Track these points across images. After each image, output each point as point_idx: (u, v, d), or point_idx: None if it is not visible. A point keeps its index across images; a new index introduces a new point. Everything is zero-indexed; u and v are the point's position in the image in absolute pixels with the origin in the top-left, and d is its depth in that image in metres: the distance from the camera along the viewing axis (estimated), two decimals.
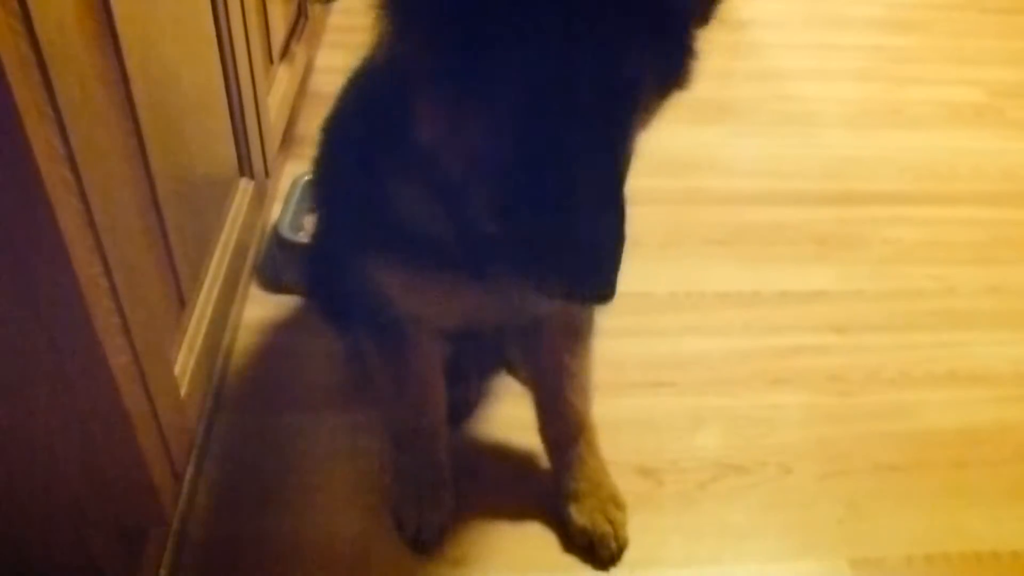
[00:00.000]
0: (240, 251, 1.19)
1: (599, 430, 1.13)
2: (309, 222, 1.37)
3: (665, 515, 1.12)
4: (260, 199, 1.33)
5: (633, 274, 1.45)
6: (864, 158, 1.89)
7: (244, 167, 1.23)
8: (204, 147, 1.05)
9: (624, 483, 1.14)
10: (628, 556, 1.06)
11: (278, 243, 1.38)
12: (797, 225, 1.67)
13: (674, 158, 1.77)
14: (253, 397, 1.24)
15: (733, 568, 1.07)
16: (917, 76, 2.28)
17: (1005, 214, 1.75)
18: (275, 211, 1.49)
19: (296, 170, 1.53)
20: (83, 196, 0.61)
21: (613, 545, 1.05)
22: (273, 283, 1.40)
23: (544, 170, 0.63)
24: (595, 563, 1.05)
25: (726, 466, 1.18)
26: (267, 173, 1.37)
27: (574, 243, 0.63)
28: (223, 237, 1.12)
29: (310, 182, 1.21)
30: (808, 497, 1.15)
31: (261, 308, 1.36)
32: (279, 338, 1.33)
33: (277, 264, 1.39)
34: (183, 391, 0.90)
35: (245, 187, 1.23)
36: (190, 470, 1.08)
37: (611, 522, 1.06)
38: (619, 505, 1.08)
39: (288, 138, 1.64)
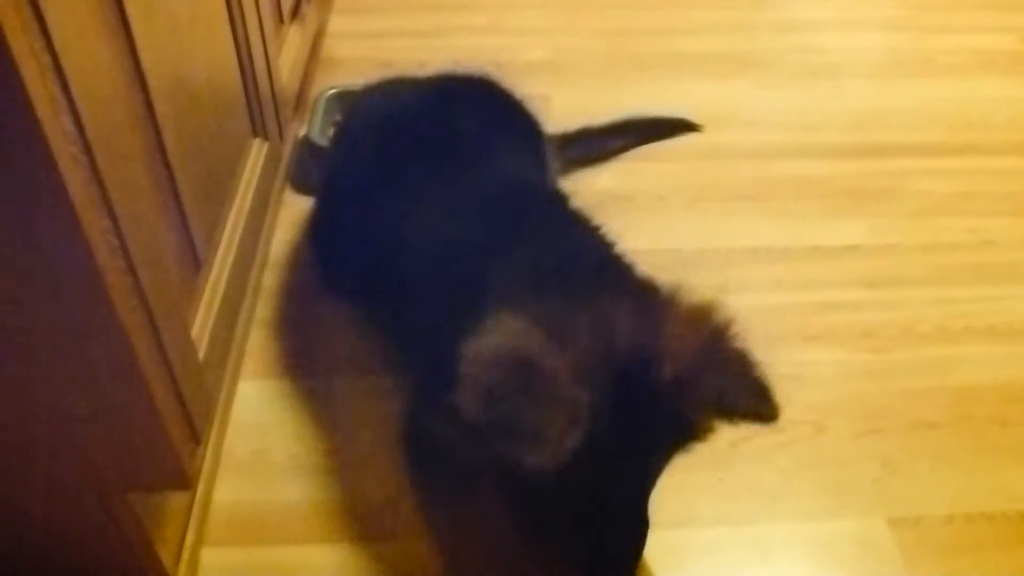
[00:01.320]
0: (256, 214, 1.17)
1: None
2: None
3: (696, 475, 1.08)
4: (275, 162, 1.31)
5: (660, 231, 1.47)
6: (894, 109, 1.82)
7: (257, 127, 1.20)
8: (215, 105, 1.02)
9: None
10: (660, 517, 1.03)
11: (310, 149, 1.52)
12: (826, 179, 1.61)
13: (698, 113, 1.71)
14: (276, 362, 1.22)
15: (767, 528, 1.04)
16: (947, 24, 2.19)
17: None
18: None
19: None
20: (87, 148, 0.59)
21: None
22: (304, 186, 1.50)
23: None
24: None
25: (759, 425, 1.15)
26: (281, 136, 1.34)
27: (598, 550, 0.78)
28: (238, 199, 1.09)
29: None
30: (843, 455, 1.12)
31: (292, 215, 1.41)
32: (301, 304, 1.31)
33: (307, 168, 1.52)
34: (201, 354, 0.88)
35: (259, 148, 1.20)
36: (213, 436, 1.07)
37: None
38: None
39: (301, 104, 1.61)
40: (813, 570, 1.00)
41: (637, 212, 1.50)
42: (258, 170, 1.17)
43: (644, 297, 0.83)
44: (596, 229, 1.03)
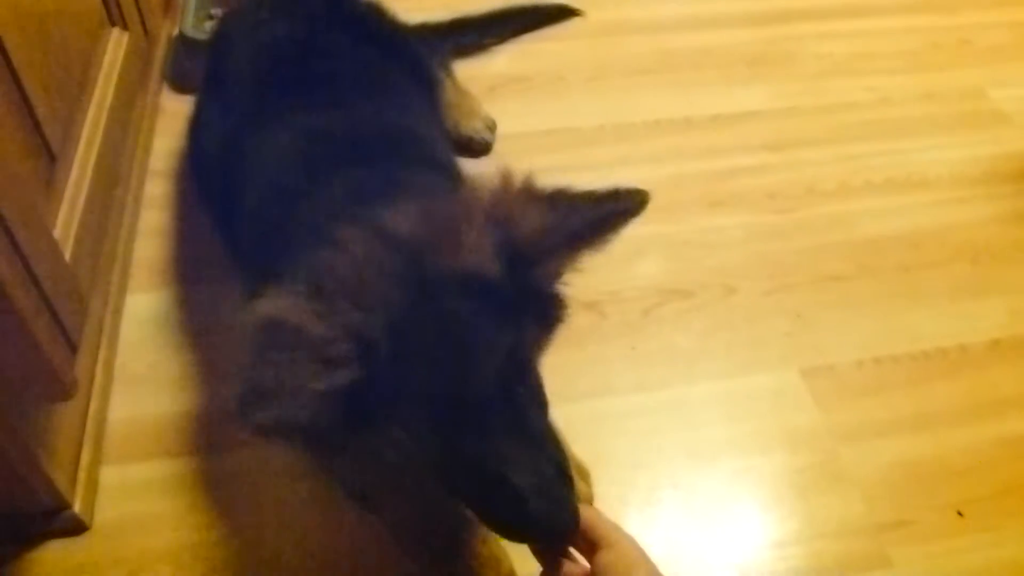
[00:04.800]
0: (121, 111, 1.07)
1: None
2: (217, 12, 1.45)
3: (612, 345, 1.08)
4: (139, 56, 1.19)
5: (560, 111, 1.43)
6: None
7: (113, 15, 1.09)
8: None
9: (571, 318, 1.09)
10: (579, 388, 1.02)
11: (183, 43, 1.42)
12: (725, 48, 1.59)
13: None
14: (166, 273, 1.14)
15: (684, 390, 1.04)
16: None
17: (933, 21, 1.69)
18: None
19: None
20: None
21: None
22: (182, 84, 1.41)
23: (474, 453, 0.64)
24: None
25: (669, 291, 1.14)
26: (145, 28, 1.23)
27: (518, 497, 0.62)
28: (97, 93, 0.99)
29: None
30: (754, 314, 1.12)
31: (177, 123, 1.29)
32: (189, 213, 1.23)
33: (185, 66, 1.41)
34: (68, 254, 0.81)
35: (118, 39, 1.09)
36: (104, 351, 1.00)
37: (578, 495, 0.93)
38: (584, 474, 0.93)
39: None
40: (732, 426, 1.00)
41: (535, 93, 1.45)
42: (119, 63, 1.07)
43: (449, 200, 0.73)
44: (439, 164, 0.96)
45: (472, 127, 1.29)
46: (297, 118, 0.92)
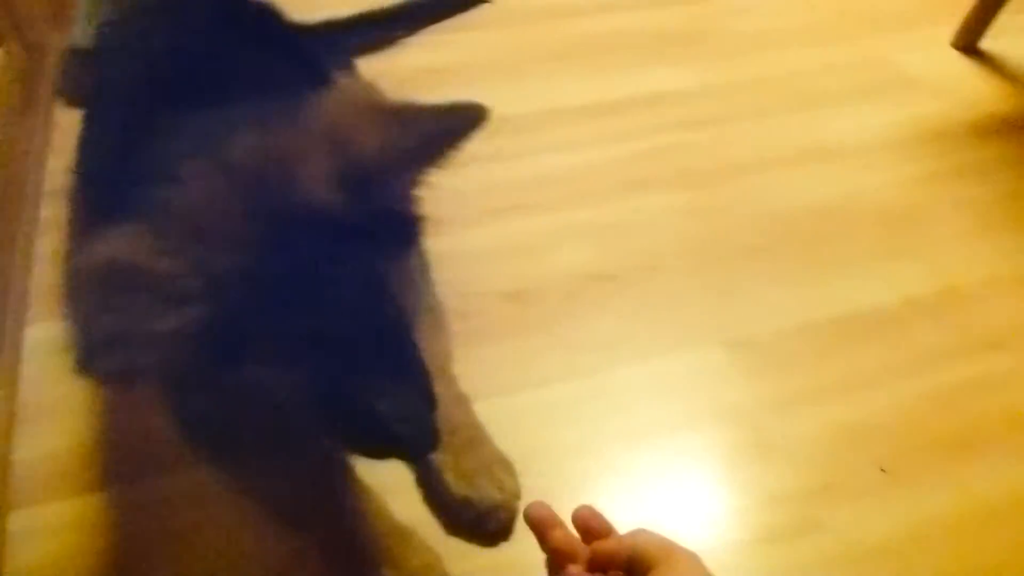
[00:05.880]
0: (5, 128, 1.02)
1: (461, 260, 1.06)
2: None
3: (537, 335, 1.07)
4: (27, 74, 1.15)
5: (479, 101, 1.42)
6: None
7: None
8: None
9: (492, 311, 1.09)
10: (504, 381, 1.02)
11: (75, 55, 1.30)
12: (640, 29, 1.60)
13: None
14: None
15: (611, 374, 1.04)
16: None
17: None
18: None
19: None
20: None
21: (503, 516, 0.88)
22: (76, 97, 1.25)
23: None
24: (484, 540, 0.88)
25: (592, 276, 1.14)
26: (27, 44, 1.18)
27: (381, 423, 0.62)
28: None
29: None
30: (677, 292, 1.13)
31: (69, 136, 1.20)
32: None
33: (78, 77, 1.28)
34: None
35: None
36: (2, 390, 0.96)
37: (501, 489, 0.89)
38: (508, 468, 0.91)
39: (62, 7, 1.44)
40: (661, 406, 1.01)
41: (448, 85, 1.44)
42: None
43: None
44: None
45: None
46: (187, 126, 0.89)
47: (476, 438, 0.93)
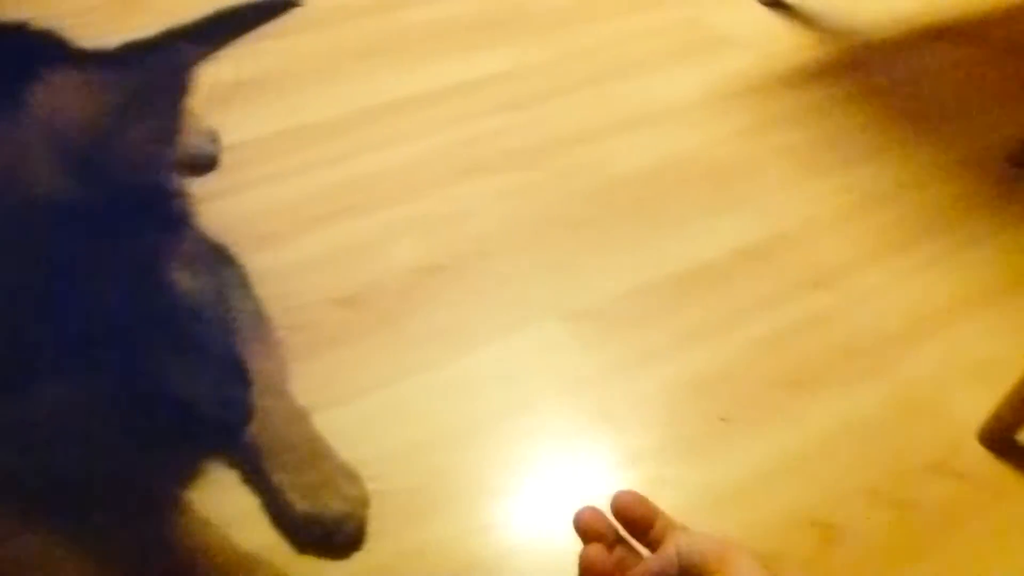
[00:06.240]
0: None
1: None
2: None
3: (374, 337, 1.05)
4: None
5: (296, 107, 1.38)
6: None
7: None
8: None
9: (325, 319, 1.06)
10: (345, 389, 0.99)
11: None
12: (457, 16, 1.59)
13: None
14: None
15: (454, 365, 1.02)
16: None
17: None
18: None
19: None
20: None
21: (351, 526, 0.86)
22: None
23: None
24: (335, 553, 0.85)
25: (424, 270, 1.12)
26: None
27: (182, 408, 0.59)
28: None
29: None
30: (510, 273, 1.13)
31: None
32: None
33: None
34: None
35: None
36: None
37: (345, 499, 0.86)
38: (352, 477, 0.88)
39: None
40: (505, 390, 1.00)
41: (264, 96, 1.39)
42: None
43: None
44: None
45: (191, 143, 1.22)
46: None
47: (316, 452, 0.90)
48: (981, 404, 0.96)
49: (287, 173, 1.23)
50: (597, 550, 0.58)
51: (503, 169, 1.28)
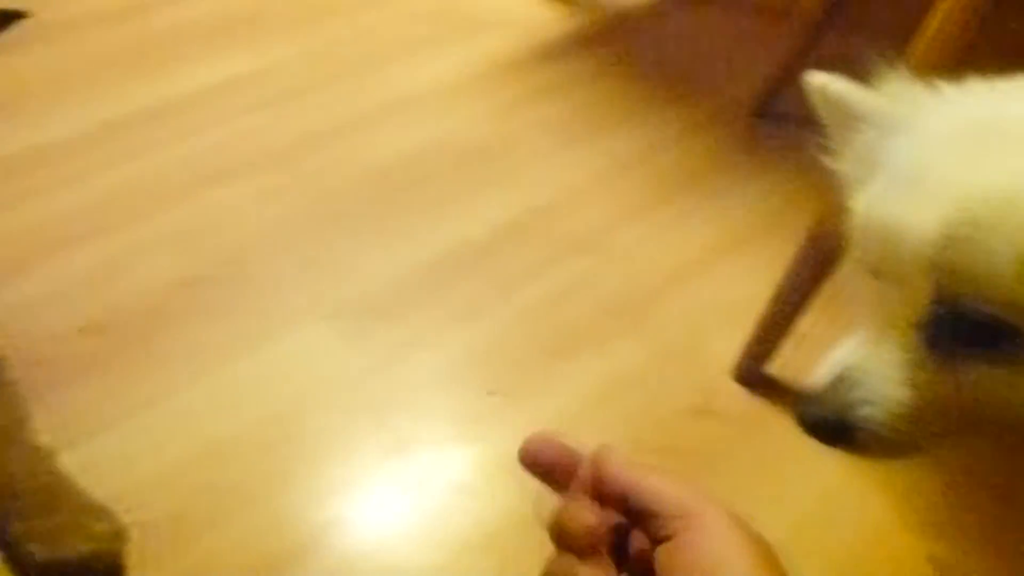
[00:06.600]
0: None
1: None
2: None
3: (126, 360, 0.99)
4: None
5: (24, 127, 1.27)
6: None
7: None
8: None
9: (69, 350, 0.99)
10: (102, 416, 0.92)
11: None
12: (199, 17, 1.53)
13: None
14: None
15: (215, 376, 0.98)
16: None
17: None
18: None
19: None
20: None
21: (103, 565, 0.80)
22: None
23: None
24: None
25: (176, 284, 1.07)
26: None
27: None
28: None
29: None
30: (270, 277, 1.10)
31: None
32: None
33: None
34: None
35: None
36: None
37: (91, 537, 0.81)
38: (99, 512, 0.83)
39: None
40: (271, 398, 0.96)
41: None
42: None
43: None
44: None
45: None
46: None
47: (58, 493, 0.84)
48: (735, 344, 1.01)
49: (23, 196, 1.14)
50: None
51: (257, 172, 1.24)
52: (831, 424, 0.47)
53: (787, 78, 1.30)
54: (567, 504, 0.41)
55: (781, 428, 0.96)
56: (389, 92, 1.38)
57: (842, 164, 0.53)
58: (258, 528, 0.86)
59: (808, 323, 0.95)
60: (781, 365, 0.99)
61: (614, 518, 0.40)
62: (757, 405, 1.00)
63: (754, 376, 1.02)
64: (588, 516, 0.40)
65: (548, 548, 0.41)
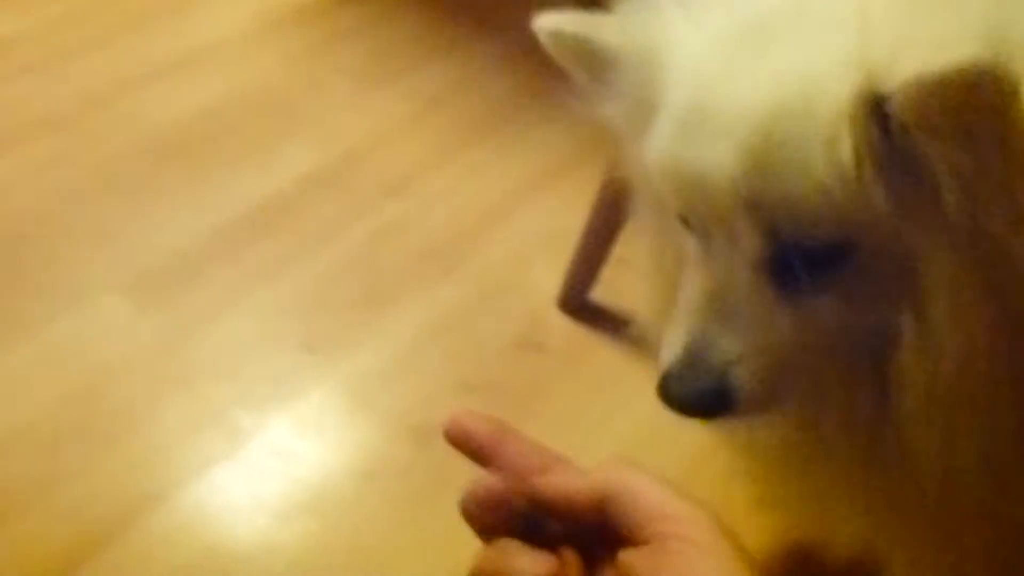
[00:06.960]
0: None
1: None
2: None
3: None
4: None
5: None
6: None
7: None
8: None
9: None
10: None
11: None
12: None
13: None
14: None
15: None
16: None
17: None
18: None
19: None
20: None
21: None
22: None
23: None
24: None
25: None
26: None
27: None
28: None
29: None
30: (54, 251, 1.01)
31: None
32: None
33: None
34: None
35: None
36: None
37: None
38: None
39: None
40: (62, 377, 0.89)
41: None
42: None
43: None
44: None
45: None
46: None
47: None
48: (558, 275, 1.01)
49: None
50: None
51: (33, 138, 1.12)
52: (709, 393, 0.43)
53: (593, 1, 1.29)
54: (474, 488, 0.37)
55: (606, 354, 0.97)
56: (175, 47, 1.28)
57: (609, 111, 0.48)
58: (67, 512, 0.80)
59: (626, 249, 0.94)
60: (603, 291, 1.00)
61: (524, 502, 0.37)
62: (582, 334, 1.00)
63: (578, 303, 1.02)
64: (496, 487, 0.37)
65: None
